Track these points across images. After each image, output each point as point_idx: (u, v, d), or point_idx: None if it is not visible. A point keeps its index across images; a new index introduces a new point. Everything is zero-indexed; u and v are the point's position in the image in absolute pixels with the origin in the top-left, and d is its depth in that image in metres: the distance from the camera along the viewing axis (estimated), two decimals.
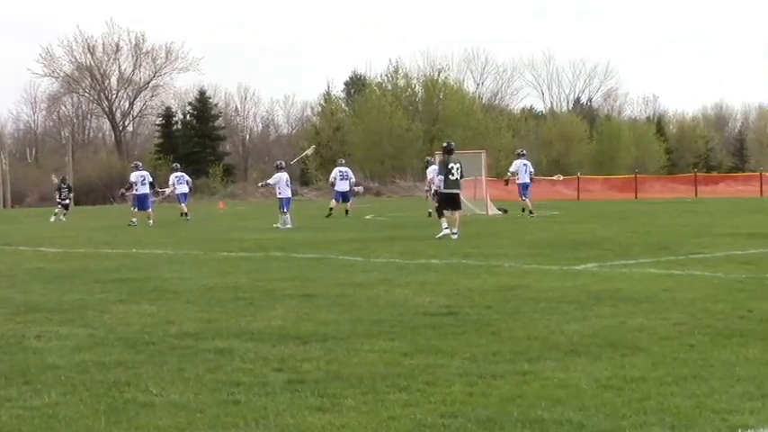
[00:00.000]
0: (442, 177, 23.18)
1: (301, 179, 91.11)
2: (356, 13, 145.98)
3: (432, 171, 36.48)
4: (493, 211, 36.77)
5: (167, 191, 40.90)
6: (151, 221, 34.47)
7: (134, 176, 36.27)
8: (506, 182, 36.20)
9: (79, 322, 10.66)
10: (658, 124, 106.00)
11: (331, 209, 36.65)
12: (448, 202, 23.16)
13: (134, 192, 36.08)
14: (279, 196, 30.49)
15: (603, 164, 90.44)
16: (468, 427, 6.10)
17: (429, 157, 39.35)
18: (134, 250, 21.56)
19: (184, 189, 39.89)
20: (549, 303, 11.27)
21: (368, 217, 35.60)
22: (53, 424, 6.38)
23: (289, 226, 29.27)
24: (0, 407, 6.82)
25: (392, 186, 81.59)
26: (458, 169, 23.08)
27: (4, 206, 77.52)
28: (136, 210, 35.41)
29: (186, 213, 38.21)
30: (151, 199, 36.65)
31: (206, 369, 7.92)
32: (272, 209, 46.77)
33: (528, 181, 34.62)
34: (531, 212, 33.63)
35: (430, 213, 35.08)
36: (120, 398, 7.02)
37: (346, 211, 36.54)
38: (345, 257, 18.22)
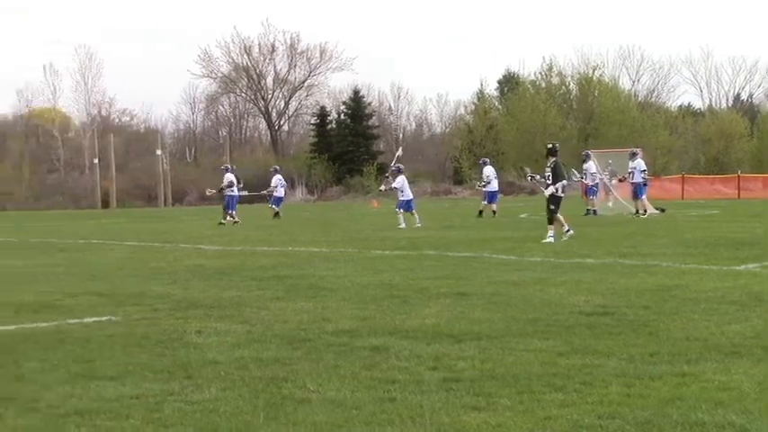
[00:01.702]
0: (565, 182, 22.62)
1: (454, 178, 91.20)
2: (509, 12, 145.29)
3: (592, 166, 36.11)
4: (650, 210, 36.14)
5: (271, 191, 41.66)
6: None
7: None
8: (622, 179, 35.35)
9: (237, 318, 10.85)
10: None
11: (491, 211, 35.97)
12: (560, 204, 22.34)
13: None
14: (402, 198, 30.76)
15: (765, 162, 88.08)
16: (626, 429, 6.02)
17: (587, 151, 38.66)
18: (290, 248, 21.85)
19: (281, 193, 41.52)
20: (708, 304, 11.04)
21: (522, 216, 35.37)
22: (213, 418, 6.50)
23: (417, 225, 29.46)
24: (163, 401, 6.98)
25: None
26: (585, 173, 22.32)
27: (165, 205, 79.40)
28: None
29: (278, 213, 40.07)
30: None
31: (362, 366, 7.97)
32: (427, 207, 46.87)
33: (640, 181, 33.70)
34: (643, 212, 32.90)
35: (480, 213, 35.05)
36: (278, 394, 7.11)
37: (493, 211, 35.85)
38: (499, 256, 18.14)
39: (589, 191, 36.02)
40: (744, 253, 17.62)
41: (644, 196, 33.58)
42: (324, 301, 12.14)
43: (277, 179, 41.22)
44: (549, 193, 22.24)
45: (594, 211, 35.26)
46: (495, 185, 36.07)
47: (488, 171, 36.27)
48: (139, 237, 28.42)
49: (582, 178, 35.84)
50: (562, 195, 22.24)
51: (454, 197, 77.13)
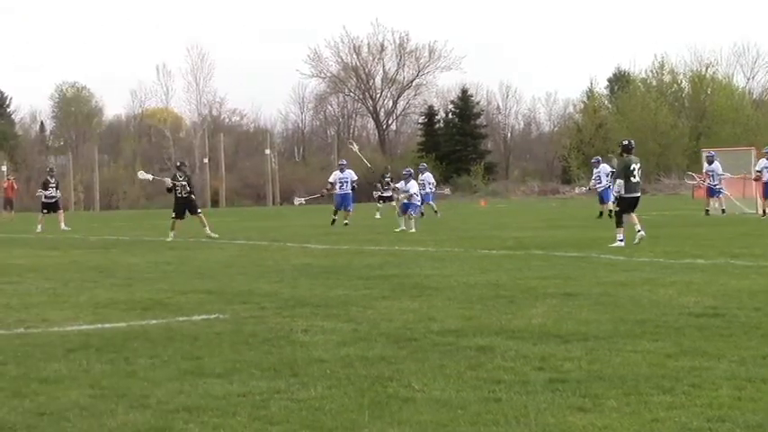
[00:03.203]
0: (622, 181, 21.10)
1: (563, 177, 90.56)
2: (620, 9, 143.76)
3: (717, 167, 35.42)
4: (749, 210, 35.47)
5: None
6: (346, 221, 33.71)
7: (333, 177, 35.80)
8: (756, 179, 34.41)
9: (343, 317, 10.90)
10: None
11: (603, 212, 35.32)
12: (631, 206, 21.10)
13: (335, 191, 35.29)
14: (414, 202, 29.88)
15: None
16: None
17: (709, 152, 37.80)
18: (396, 248, 21.89)
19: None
20: None
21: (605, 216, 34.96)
22: (319, 416, 6.53)
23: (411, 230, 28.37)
24: (269, 398, 7.04)
25: (657, 184, 79.94)
26: (640, 169, 21.17)
27: (273, 204, 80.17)
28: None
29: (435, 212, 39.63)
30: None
31: (467, 366, 7.95)
32: (534, 207, 46.62)
33: None
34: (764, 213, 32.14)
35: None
36: (383, 392, 7.13)
37: (610, 211, 35.14)
38: (607, 256, 17.96)
39: (712, 191, 35.43)
40: None
41: None
42: (430, 301, 12.14)
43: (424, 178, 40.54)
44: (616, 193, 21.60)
45: (707, 211, 34.87)
46: (605, 184, 35.32)
47: (601, 169, 35.75)
48: (248, 235, 28.73)
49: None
50: (626, 196, 21.08)
51: (562, 196, 76.56)
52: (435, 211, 39.91)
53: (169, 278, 16.03)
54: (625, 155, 21.36)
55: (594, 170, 36.64)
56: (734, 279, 13.70)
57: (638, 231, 20.63)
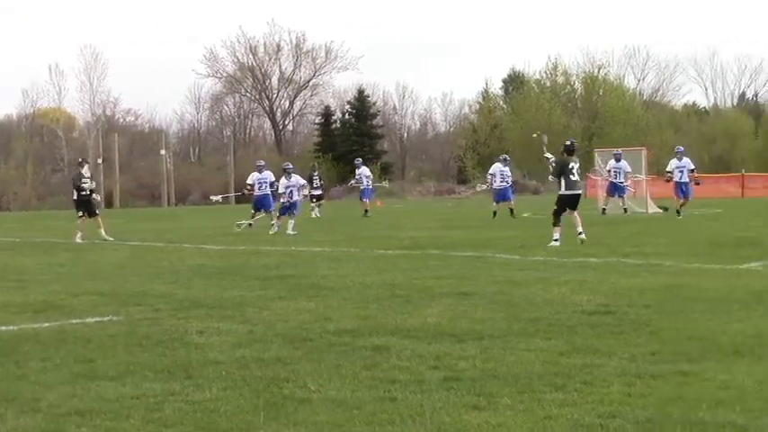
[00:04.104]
0: (561, 179, 21.28)
1: (458, 177, 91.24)
2: (514, 11, 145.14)
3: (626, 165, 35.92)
4: (653, 209, 36.13)
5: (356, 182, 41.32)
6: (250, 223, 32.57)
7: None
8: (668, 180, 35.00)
9: (239, 318, 10.86)
10: None
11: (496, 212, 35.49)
12: (569, 204, 21.34)
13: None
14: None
15: None
16: (627, 428, 6.01)
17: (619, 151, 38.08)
18: (293, 248, 21.84)
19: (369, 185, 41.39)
20: (710, 303, 11.03)
21: (525, 215, 35.34)
22: (214, 418, 6.50)
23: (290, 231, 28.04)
24: (163, 401, 6.98)
25: (550, 184, 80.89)
26: (578, 169, 21.28)
27: (168, 204, 79.46)
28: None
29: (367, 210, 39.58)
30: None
31: (363, 366, 7.98)
32: (430, 207, 46.80)
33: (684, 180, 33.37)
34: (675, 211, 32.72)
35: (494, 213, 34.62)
36: (279, 393, 7.11)
37: (511, 209, 35.29)
38: (502, 256, 18.14)
39: (616, 189, 35.86)
40: (746, 252, 17.61)
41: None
42: (326, 301, 12.15)
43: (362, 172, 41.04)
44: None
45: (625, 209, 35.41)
46: (499, 183, 35.50)
47: (492, 169, 36.01)
48: (142, 236, 28.43)
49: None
50: (564, 194, 21.37)
51: (458, 196, 77.07)
52: (366, 211, 39.70)
53: (62, 280, 15.81)
54: (565, 155, 21.56)
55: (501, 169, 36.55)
56: (625, 277, 13.93)
57: (579, 234, 20.80)
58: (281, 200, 29.35)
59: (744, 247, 18.65)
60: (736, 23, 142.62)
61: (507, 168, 35.92)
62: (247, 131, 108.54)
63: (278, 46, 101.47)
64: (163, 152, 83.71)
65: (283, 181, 29.46)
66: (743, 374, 7.29)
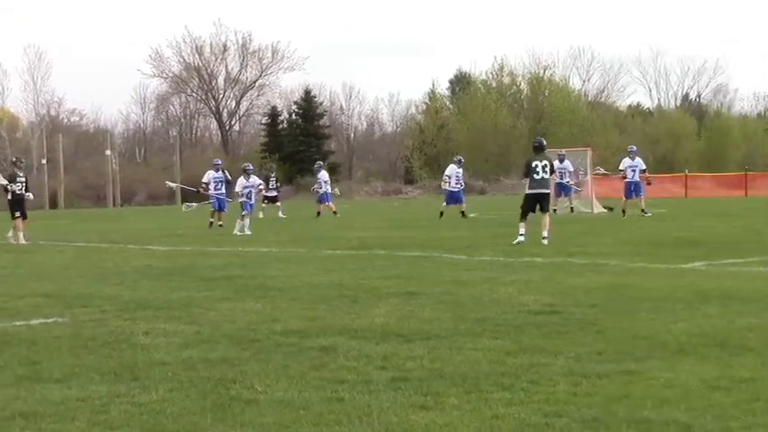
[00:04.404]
0: (527, 178, 21.49)
1: (405, 177, 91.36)
2: (461, 12, 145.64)
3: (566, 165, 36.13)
4: (598, 209, 36.41)
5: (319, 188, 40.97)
6: (221, 223, 32.47)
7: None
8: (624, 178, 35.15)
9: (186, 319, 10.80)
10: None
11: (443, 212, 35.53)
12: (532, 203, 21.38)
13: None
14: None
15: (712, 161, 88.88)
16: (573, 427, 6.05)
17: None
18: (240, 249, 21.78)
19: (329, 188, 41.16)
20: (655, 302, 11.13)
21: (472, 215, 35.46)
22: (160, 420, 6.46)
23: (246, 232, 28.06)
24: (109, 402, 6.94)
25: (497, 185, 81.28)
26: (544, 167, 21.25)
27: (114, 205, 78.89)
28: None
29: (336, 212, 39.43)
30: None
31: (310, 366, 7.97)
32: (378, 207, 46.77)
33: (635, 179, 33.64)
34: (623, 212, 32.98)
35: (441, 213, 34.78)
36: (226, 395, 7.09)
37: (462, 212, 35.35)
38: (449, 256, 18.19)
39: (563, 189, 36.12)
40: (690, 251, 17.79)
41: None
42: (273, 302, 12.12)
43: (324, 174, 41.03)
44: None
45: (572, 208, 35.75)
46: (453, 185, 35.56)
47: (448, 171, 36.00)
48: (87, 237, 28.19)
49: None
50: (528, 192, 21.48)
51: (405, 197, 77.21)
52: (318, 213, 39.54)
53: (5, 282, 15.64)
54: (532, 154, 21.73)
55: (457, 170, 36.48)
56: (571, 277, 14.03)
57: (543, 238, 20.67)
58: (239, 200, 29.23)
59: (687, 247, 18.84)
60: (679, 25, 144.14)
61: (461, 170, 36.04)
62: (194, 132, 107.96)
63: (224, 46, 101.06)
64: (108, 152, 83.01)
65: (242, 181, 29.33)
66: (687, 373, 7.36)
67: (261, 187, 31.20)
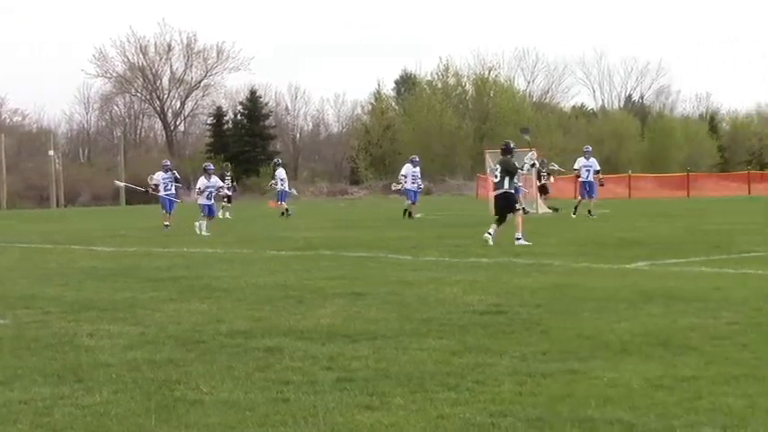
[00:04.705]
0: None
1: (351, 178, 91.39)
2: (406, 13, 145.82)
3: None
4: (543, 209, 36.62)
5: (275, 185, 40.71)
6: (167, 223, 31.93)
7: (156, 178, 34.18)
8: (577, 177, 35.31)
9: (131, 320, 10.74)
10: (711, 122, 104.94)
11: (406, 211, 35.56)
12: (495, 206, 21.61)
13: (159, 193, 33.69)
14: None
15: (655, 162, 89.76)
16: (518, 427, 6.08)
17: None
18: (185, 249, 21.68)
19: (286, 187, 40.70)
20: (599, 302, 11.21)
21: (418, 216, 35.53)
22: (104, 422, 6.42)
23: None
24: (53, 405, 6.88)
25: (442, 185, 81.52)
26: (500, 171, 21.23)
27: (57, 206, 78.21)
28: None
29: (287, 210, 39.16)
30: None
31: (256, 367, 7.95)
32: (323, 207, 46.75)
33: (589, 179, 33.86)
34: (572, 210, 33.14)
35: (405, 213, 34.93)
36: (171, 396, 7.06)
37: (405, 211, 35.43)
38: (395, 256, 18.22)
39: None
40: (633, 252, 17.94)
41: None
42: (219, 303, 12.08)
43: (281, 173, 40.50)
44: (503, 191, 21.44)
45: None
46: (408, 185, 35.68)
47: (404, 170, 36.11)
48: (30, 238, 27.93)
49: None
50: (493, 194, 21.68)
51: (350, 197, 77.23)
52: (287, 210, 39.33)
53: None
54: (503, 156, 21.79)
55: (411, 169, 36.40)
56: (516, 277, 14.10)
57: (485, 234, 20.78)
58: (199, 201, 29.06)
59: (631, 247, 19.00)
60: (622, 26, 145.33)
61: (417, 169, 36.17)
62: (138, 132, 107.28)
63: (169, 46, 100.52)
64: (51, 153, 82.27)
65: (203, 181, 29.12)
66: (630, 372, 7.42)
67: (223, 188, 30.69)
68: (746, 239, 20.39)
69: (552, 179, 38.76)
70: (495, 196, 21.60)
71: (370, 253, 19.04)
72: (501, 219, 21.23)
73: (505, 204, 21.25)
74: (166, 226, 31.39)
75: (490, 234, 20.75)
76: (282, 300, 12.17)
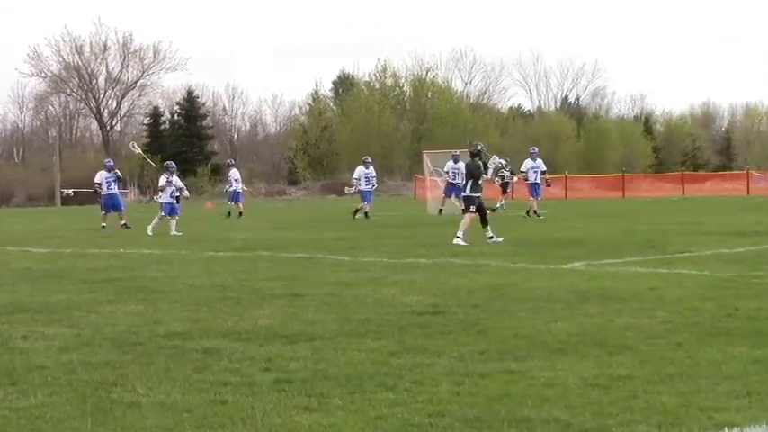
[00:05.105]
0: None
1: (289, 178, 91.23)
2: (343, 13, 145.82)
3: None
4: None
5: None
6: (104, 224, 31.95)
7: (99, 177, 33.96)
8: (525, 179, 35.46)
9: (66, 322, 10.63)
10: (646, 123, 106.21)
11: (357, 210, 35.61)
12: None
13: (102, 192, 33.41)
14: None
15: (591, 162, 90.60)
16: (456, 426, 6.10)
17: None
18: (121, 250, 21.50)
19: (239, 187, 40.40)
20: (536, 302, 11.28)
21: (357, 216, 35.53)
22: (39, 425, 6.36)
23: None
24: None
25: (380, 186, 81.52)
26: (465, 174, 22.01)
27: None
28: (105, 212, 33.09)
29: (241, 213, 38.94)
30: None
31: (193, 369, 7.91)
32: (261, 208, 46.60)
33: (536, 181, 34.09)
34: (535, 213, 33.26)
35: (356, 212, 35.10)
36: (107, 398, 7.00)
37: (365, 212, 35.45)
38: (333, 257, 18.20)
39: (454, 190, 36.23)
40: (570, 252, 18.07)
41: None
42: (155, 304, 11.99)
43: (234, 173, 40.16)
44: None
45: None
46: (362, 186, 35.71)
47: (357, 173, 36.10)
48: None
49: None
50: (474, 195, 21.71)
51: (288, 198, 77.06)
52: (238, 213, 39.07)
53: None
54: (471, 158, 21.95)
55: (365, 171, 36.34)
56: (454, 277, 14.14)
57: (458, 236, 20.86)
58: (159, 199, 28.81)
59: (568, 247, 19.13)
60: (558, 28, 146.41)
61: (371, 169, 36.19)
62: (74, 132, 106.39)
63: (104, 45, 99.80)
64: None
65: (164, 179, 28.78)
66: (567, 372, 7.47)
67: (184, 190, 30.19)
68: (681, 240, 20.61)
69: (516, 179, 38.79)
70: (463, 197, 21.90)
71: (308, 254, 19.01)
72: (483, 219, 21.56)
73: (478, 205, 21.56)
74: (103, 227, 31.18)
75: (460, 236, 20.90)
76: (220, 301, 12.11)
